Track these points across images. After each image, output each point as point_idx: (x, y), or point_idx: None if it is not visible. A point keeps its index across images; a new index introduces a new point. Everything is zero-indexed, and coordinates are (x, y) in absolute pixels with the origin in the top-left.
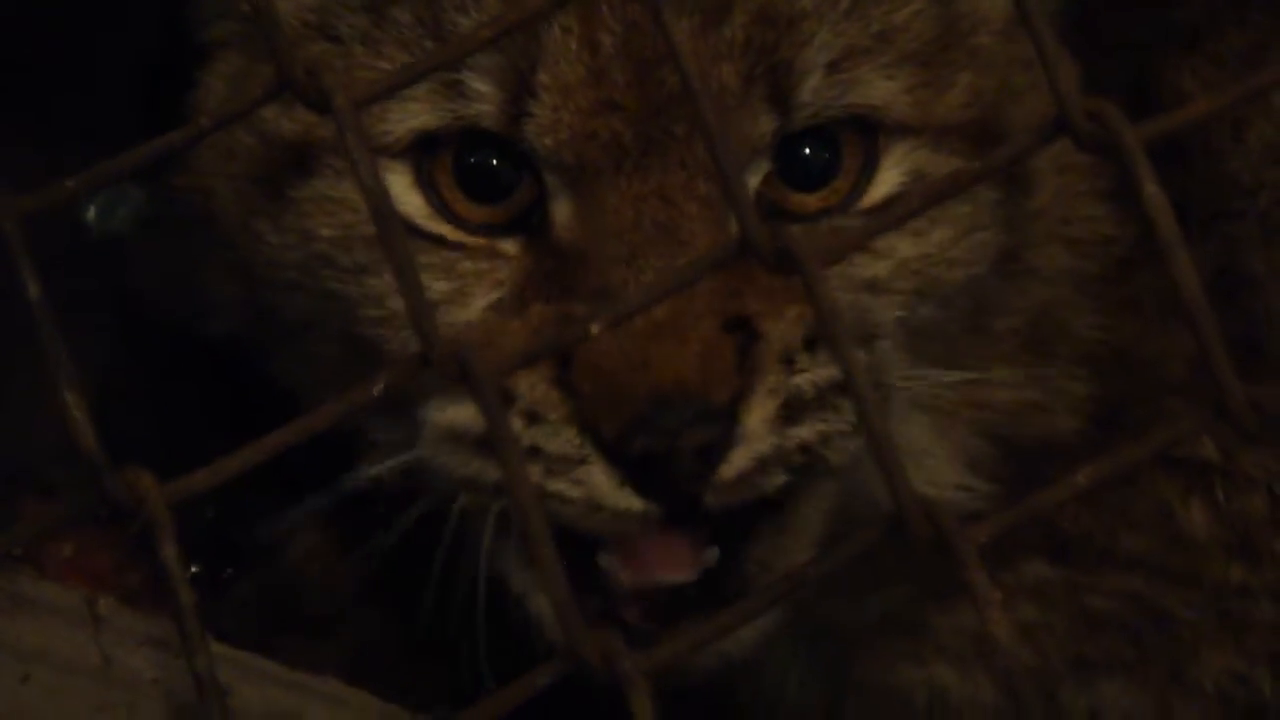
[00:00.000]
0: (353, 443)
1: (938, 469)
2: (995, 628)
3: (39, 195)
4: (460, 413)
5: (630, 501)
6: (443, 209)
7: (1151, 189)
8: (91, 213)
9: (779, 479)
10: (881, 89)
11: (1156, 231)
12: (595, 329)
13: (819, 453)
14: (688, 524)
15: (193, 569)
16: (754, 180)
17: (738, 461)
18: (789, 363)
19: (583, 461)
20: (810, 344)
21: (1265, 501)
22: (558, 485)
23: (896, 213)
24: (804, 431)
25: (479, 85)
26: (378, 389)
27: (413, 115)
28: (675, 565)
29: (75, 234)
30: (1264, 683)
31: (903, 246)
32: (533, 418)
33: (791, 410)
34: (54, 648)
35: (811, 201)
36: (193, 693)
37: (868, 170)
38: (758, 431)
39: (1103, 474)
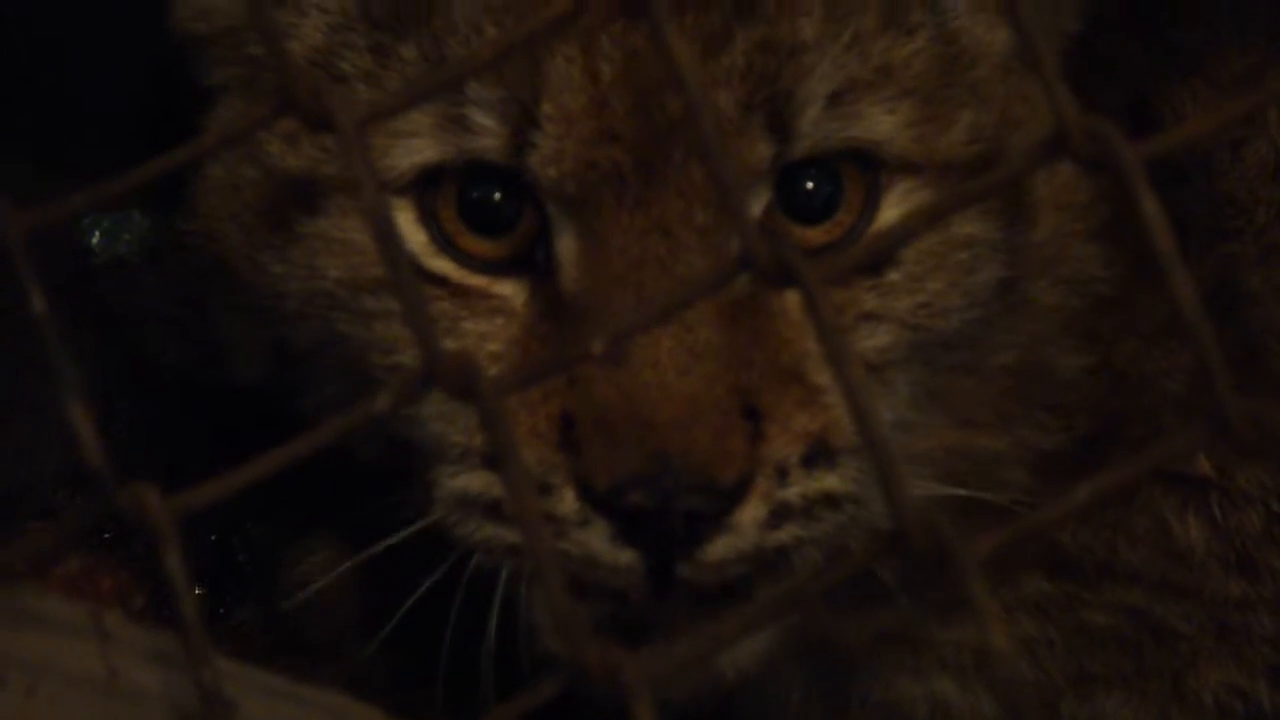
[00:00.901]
0: (365, 472)
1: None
2: (997, 641)
3: (42, 211)
4: (472, 480)
5: (620, 556)
6: (445, 244)
7: (1150, 207)
8: (96, 238)
9: (744, 570)
10: (883, 123)
11: (1155, 249)
12: (597, 347)
13: (790, 556)
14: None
15: (196, 592)
16: (754, 209)
17: (721, 548)
18: (783, 474)
19: (584, 524)
20: (807, 461)
21: (1262, 517)
22: (563, 545)
23: (898, 233)
24: (783, 535)
25: (482, 119)
26: (381, 404)
27: (416, 150)
28: None
29: (79, 260)
30: (1263, 696)
31: (899, 304)
32: (544, 489)
33: (777, 517)
34: (60, 661)
35: (814, 235)
36: (199, 707)
37: (869, 207)
38: (747, 530)
39: (1103, 489)
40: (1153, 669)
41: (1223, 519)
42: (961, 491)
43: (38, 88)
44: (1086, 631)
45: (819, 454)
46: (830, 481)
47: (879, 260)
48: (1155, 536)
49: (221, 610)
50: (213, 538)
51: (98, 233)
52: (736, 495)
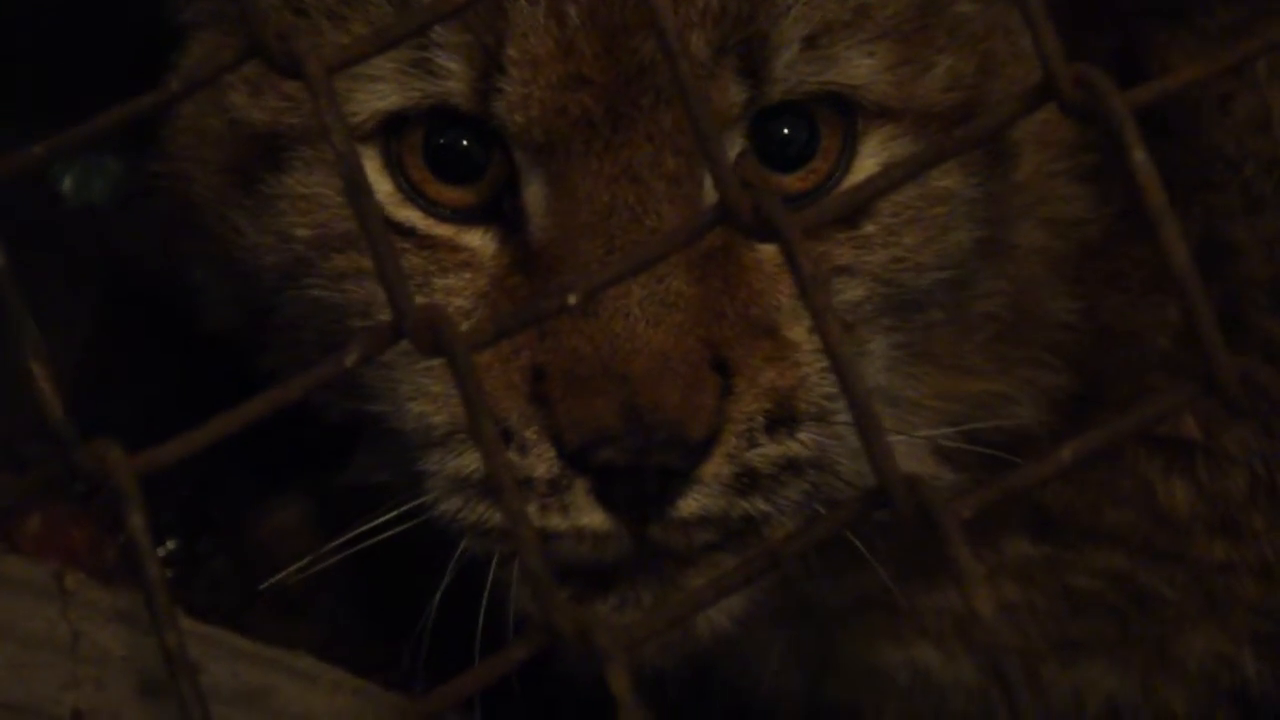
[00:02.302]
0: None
1: (904, 460)
2: (980, 604)
3: (6, 160)
4: (463, 461)
5: (596, 517)
6: (412, 192)
7: (1139, 156)
8: (67, 184)
9: (712, 537)
10: (860, 67)
11: (1144, 199)
12: (572, 299)
13: (757, 528)
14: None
15: (169, 544)
16: (729, 154)
17: (692, 504)
18: (750, 436)
19: (567, 486)
20: (772, 425)
21: (1246, 479)
22: (549, 520)
23: (878, 183)
24: (748, 505)
25: (447, 63)
26: (350, 360)
27: (380, 96)
28: None
29: (51, 206)
30: (1247, 663)
31: (874, 258)
32: (521, 449)
33: (743, 482)
34: (21, 623)
35: (790, 182)
36: (163, 669)
37: (846, 154)
38: (713, 485)
39: (1088, 449)
40: (1137, 635)
41: (1208, 481)
42: (961, 429)
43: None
44: (1070, 596)
45: (783, 419)
46: (793, 447)
47: (856, 212)
48: (1140, 499)
49: (195, 563)
50: (186, 492)
51: (68, 179)
52: (705, 449)
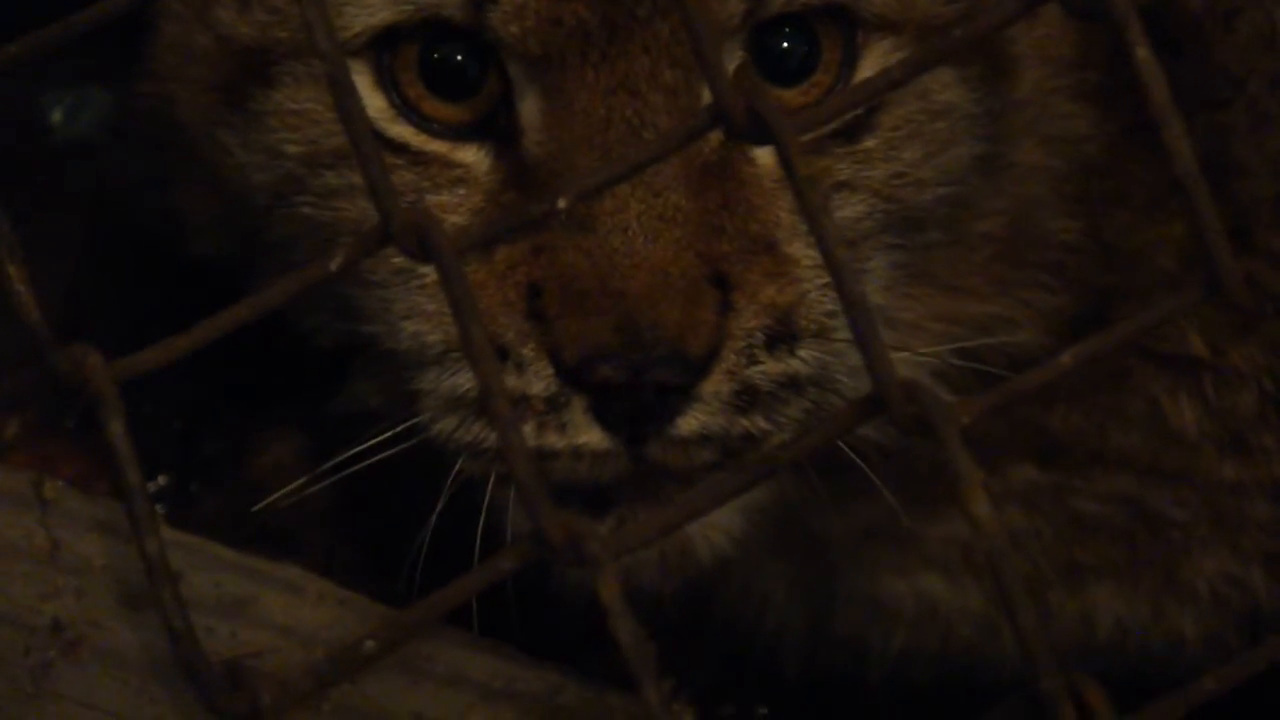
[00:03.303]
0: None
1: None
2: (977, 509)
3: None
4: (459, 380)
5: (594, 435)
6: (405, 108)
7: (1143, 53)
8: (57, 115)
9: (712, 456)
10: None
11: (1148, 97)
12: (562, 203)
13: (758, 447)
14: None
15: (161, 480)
16: (728, 67)
17: (692, 422)
18: (750, 353)
19: (564, 404)
20: (770, 345)
21: (1255, 396)
22: (546, 438)
23: (876, 84)
24: (748, 423)
25: None
26: (335, 264)
27: (371, 11)
28: None
29: (41, 137)
30: (1258, 584)
31: (874, 173)
32: (518, 366)
33: (743, 400)
34: None
35: (791, 96)
36: (144, 578)
37: (847, 68)
38: (713, 403)
39: (1089, 353)
40: (1145, 558)
41: (1216, 399)
42: (961, 346)
43: None
44: (1077, 521)
45: (782, 336)
46: (794, 364)
47: (853, 123)
48: (1147, 419)
49: (186, 499)
50: (179, 427)
51: (58, 110)
52: (704, 366)
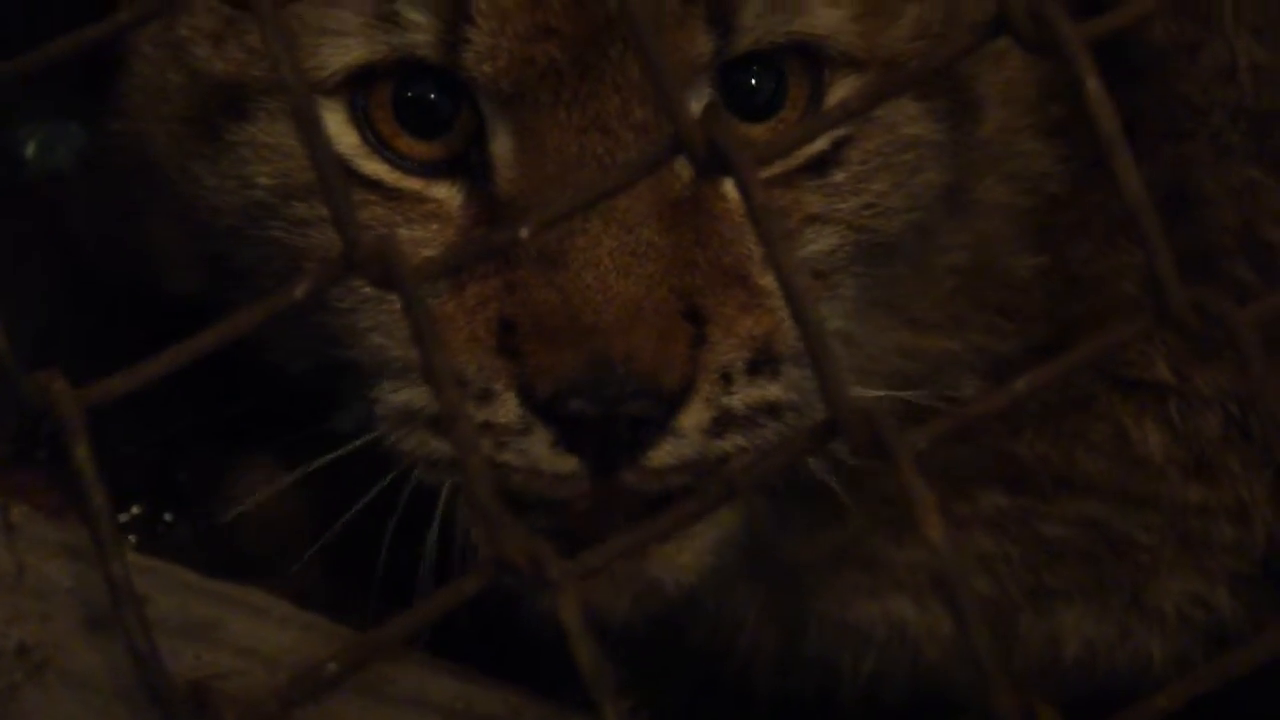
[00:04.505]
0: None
1: None
2: (931, 531)
3: None
4: (413, 393)
5: (562, 463)
6: (379, 145)
7: (1094, 85)
8: (31, 149)
9: (688, 479)
10: (827, 17)
11: (1097, 128)
12: (525, 233)
13: (733, 466)
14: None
15: (134, 509)
16: (696, 106)
17: (665, 454)
18: (726, 380)
19: (526, 431)
20: (752, 367)
21: (1220, 420)
22: (505, 456)
23: (833, 115)
24: (726, 445)
25: (415, 15)
26: (300, 291)
27: (346, 50)
28: None
29: (14, 173)
30: (1224, 604)
31: (845, 205)
32: (483, 396)
33: (720, 425)
34: None
35: (759, 132)
36: (109, 602)
37: (814, 104)
38: (690, 435)
39: (1042, 379)
40: (1112, 581)
41: (1181, 423)
42: (910, 394)
43: None
44: (1044, 545)
45: (762, 361)
46: (772, 390)
47: (822, 158)
48: (1113, 444)
49: (160, 530)
50: (152, 457)
51: (32, 145)
52: (679, 400)
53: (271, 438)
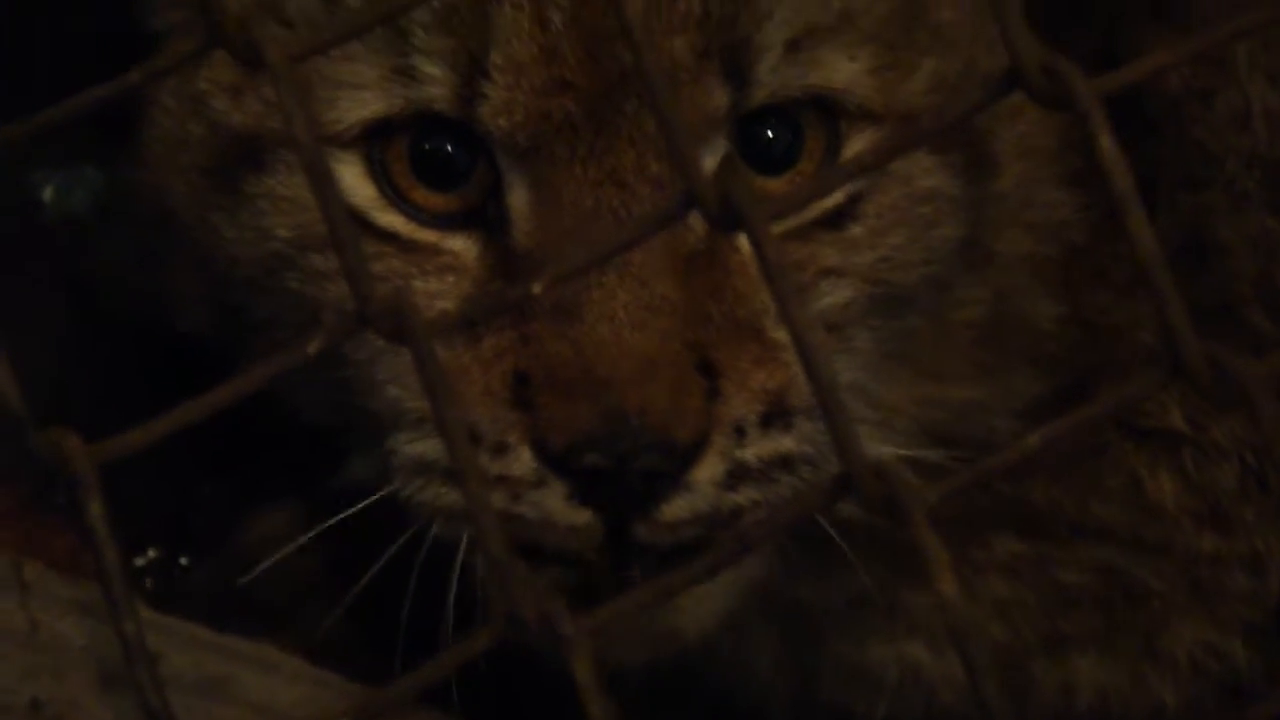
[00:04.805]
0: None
1: None
2: (945, 588)
3: None
4: (428, 445)
5: (577, 516)
6: (396, 197)
7: (1106, 142)
8: (49, 193)
9: (701, 531)
10: (843, 70)
11: (1111, 185)
12: (537, 287)
13: (746, 518)
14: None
15: (150, 553)
16: (711, 159)
17: (678, 508)
18: (740, 433)
19: (540, 484)
20: (765, 420)
21: (1235, 471)
22: (519, 508)
23: (846, 169)
24: (740, 498)
25: (431, 69)
26: (313, 346)
27: (363, 104)
28: None
29: (33, 216)
30: (1237, 653)
31: (860, 259)
32: (498, 449)
33: (734, 478)
34: None
35: (776, 185)
36: (122, 659)
37: (830, 157)
38: (703, 489)
39: (1056, 435)
40: (1126, 627)
41: (1195, 473)
42: (935, 455)
43: None
44: (1059, 591)
45: (776, 414)
46: (786, 443)
47: (839, 212)
48: (1127, 492)
49: (177, 574)
50: (169, 500)
51: (49, 189)
52: (693, 453)
53: (288, 483)
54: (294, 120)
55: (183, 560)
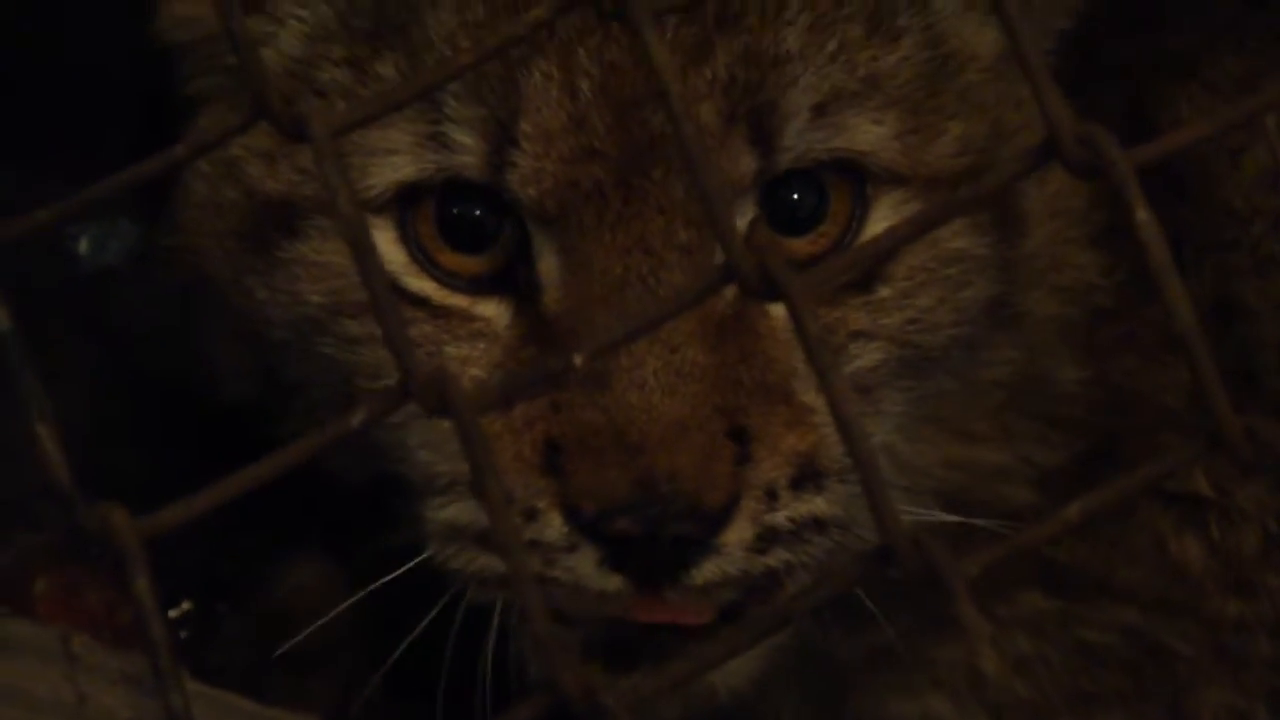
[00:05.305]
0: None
1: None
2: (984, 662)
3: (10, 224)
4: (461, 510)
5: (607, 581)
6: (426, 261)
7: (1143, 215)
8: (84, 245)
9: (734, 595)
10: (869, 134)
11: (1148, 258)
12: (578, 360)
13: (779, 579)
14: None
15: (185, 605)
16: (740, 222)
17: (708, 571)
18: (772, 496)
19: (572, 549)
20: (796, 483)
21: (1259, 537)
22: (552, 573)
23: (882, 242)
24: (771, 560)
25: (461, 137)
26: (357, 420)
27: (394, 168)
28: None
29: (68, 267)
30: (1261, 718)
31: (889, 320)
32: (529, 515)
33: (764, 541)
34: (27, 686)
35: (800, 246)
36: None
37: (857, 220)
38: (734, 553)
39: (1094, 507)
40: (1150, 689)
41: (1220, 538)
42: (958, 519)
43: (23, 93)
44: (1084, 650)
45: (807, 476)
46: (818, 505)
47: (868, 274)
48: (1152, 555)
49: (211, 624)
50: (204, 551)
51: (84, 241)
52: (722, 518)
53: (322, 533)
54: (337, 193)
55: (219, 608)
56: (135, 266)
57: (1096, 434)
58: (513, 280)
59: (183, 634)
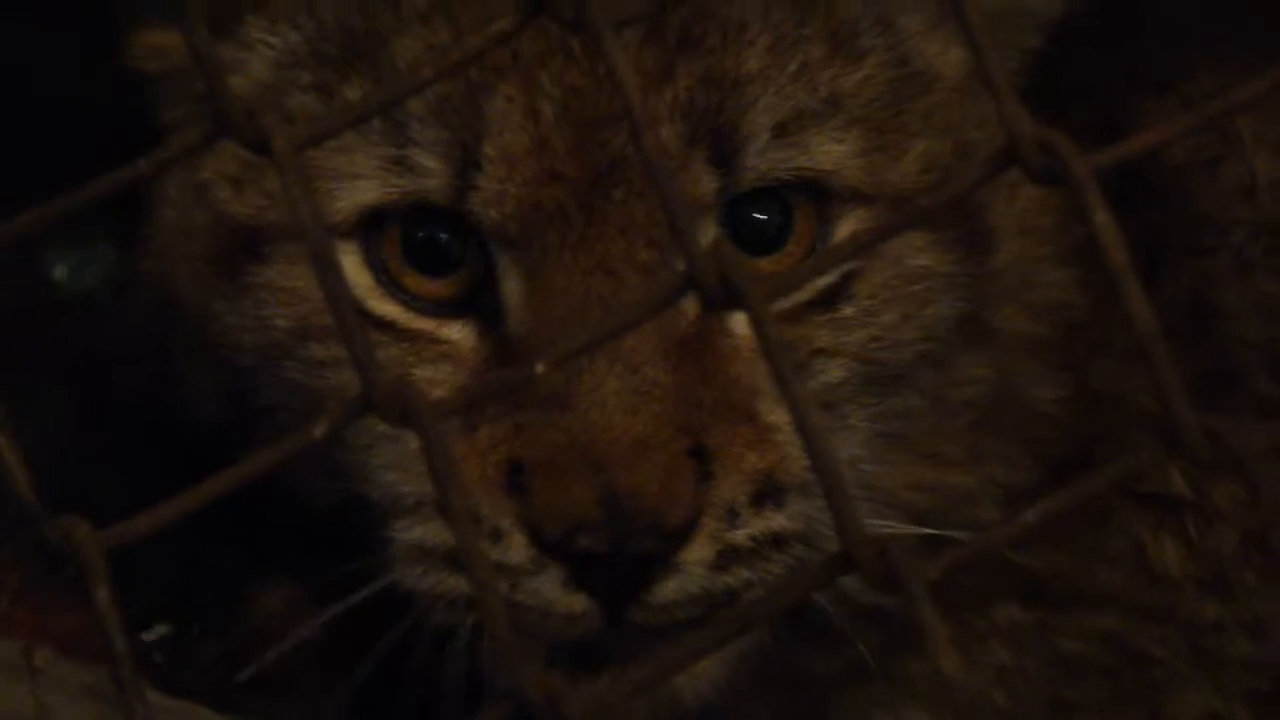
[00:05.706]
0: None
1: None
2: (946, 663)
3: None
4: (426, 530)
5: (573, 601)
6: (391, 285)
7: (1102, 218)
8: (61, 271)
9: (695, 612)
10: (831, 153)
11: (1108, 260)
12: (540, 368)
13: (739, 598)
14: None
15: (159, 629)
16: (703, 241)
17: (670, 590)
18: (733, 515)
19: (537, 571)
20: (757, 499)
21: (1237, 535)
22: (518, 596)
23: (844, 249)
24: (732, 579)
25: (425, 160)
26: (319, 431)
27: (360, 192)
28: None
29: (45, 292)
30: None
31: (852, 338)
32: (494, 535)
33: (725, 559)
34: None
35: (765, 265)
36: None
37: (821, 239)
38: (694, 570)
39: (1052, 510)
40: (1130, 695)
41: (1198, 538)
42: (927, 530)
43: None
44: (1062, 659)
45: (767, 492)
46: (779, 521)
47: (831, 292)
48: (1130, 559)
49: (185, 647)
50: (178, 575)
51: (61, 266)
52: (683, 536)
53: (293, 555)
54: (300, 207)
55: (194, 631)
56: (113, 291)
57: (1075, 441)
58: (478, 303)
59: (157, 657)
